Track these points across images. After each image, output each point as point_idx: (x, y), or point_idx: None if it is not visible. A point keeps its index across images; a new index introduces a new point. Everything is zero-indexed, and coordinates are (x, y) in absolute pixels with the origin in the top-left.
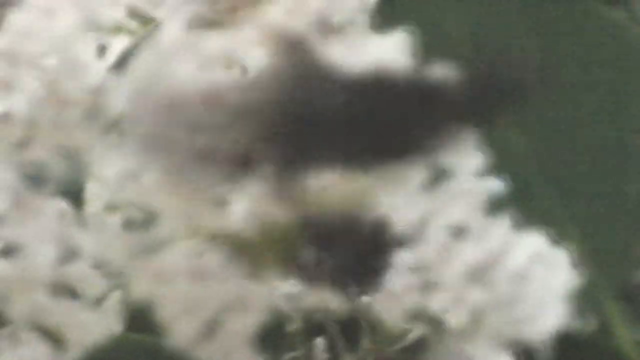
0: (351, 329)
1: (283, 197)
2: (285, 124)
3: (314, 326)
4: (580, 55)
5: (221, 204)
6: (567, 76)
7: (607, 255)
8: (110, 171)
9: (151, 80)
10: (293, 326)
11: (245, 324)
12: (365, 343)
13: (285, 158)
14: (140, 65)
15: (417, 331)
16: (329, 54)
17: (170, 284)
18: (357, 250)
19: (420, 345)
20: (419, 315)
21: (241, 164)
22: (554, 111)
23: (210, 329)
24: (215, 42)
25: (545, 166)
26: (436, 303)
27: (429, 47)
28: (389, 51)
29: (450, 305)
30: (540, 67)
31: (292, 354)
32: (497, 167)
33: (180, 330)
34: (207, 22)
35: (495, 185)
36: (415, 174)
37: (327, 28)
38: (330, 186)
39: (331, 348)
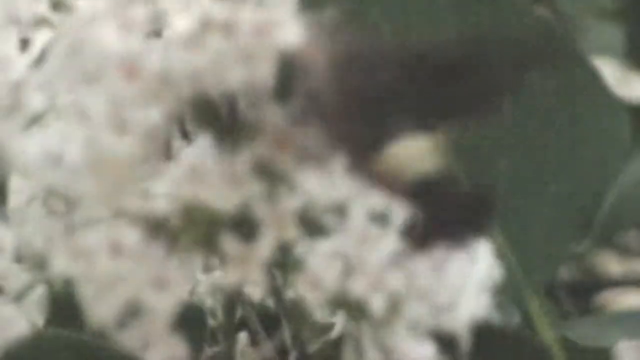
0: (273, 322)
1: (365, 173)
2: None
3: (236, 320)
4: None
5: (142, 185)
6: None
7: (528, 252)
8: (31, 157)
9: (73, 48)
10: (215, 320)
11: (164, 303)
12: (287, 337)
13: (362, 135)
14: (63, 34)
15: (339, 324)
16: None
17: (89, 261)
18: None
19: (341, 338)
20: (341, 301)
21: (163, 140)
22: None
23: (130, 309)
24: (140, 7)
25: (463, 158)
26: (357, 288)
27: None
28: None
29: (370, 290)
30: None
31: (215, 349)
32: None
33: (100, 310)
34: None
35: None
36: (337, 158)
37: None
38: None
39: (254, 342)
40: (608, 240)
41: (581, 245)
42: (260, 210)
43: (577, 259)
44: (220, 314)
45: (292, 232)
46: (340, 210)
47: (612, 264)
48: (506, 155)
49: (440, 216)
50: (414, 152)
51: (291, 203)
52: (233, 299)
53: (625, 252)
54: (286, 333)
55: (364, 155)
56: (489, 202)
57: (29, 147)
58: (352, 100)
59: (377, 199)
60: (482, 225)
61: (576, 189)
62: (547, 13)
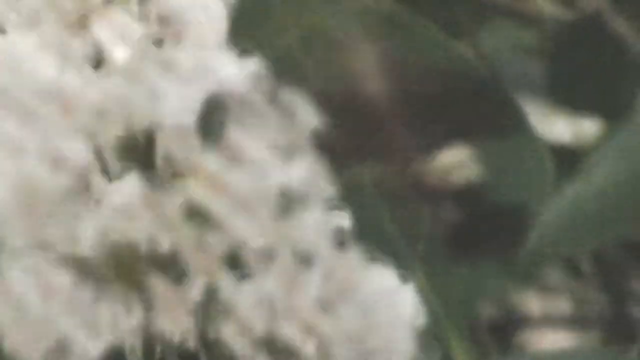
0: None
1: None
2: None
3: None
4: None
5: (71, 222)
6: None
7: (450, 292)
8: None
9: (9, 81)
10: (135, 358)
11: (93, 346)
12: None
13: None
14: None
15: None
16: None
17: (18, 303)
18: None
19: None
20: (269, 345)
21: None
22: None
23: (58, 353)
24: (77, 40)
25: (391, 206)
26: (286, 332)
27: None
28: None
29: (300, 335)
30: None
31: None
32: (345, 203)
33: (27, 351)
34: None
35: (344, 219)
36: (266, 201)
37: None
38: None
39: None
40: (529, 278)
41: (502, 284)
42: (190, 253)
43: (498, 297)
44: (139, 353)
45: (220, 275)
46: (268, 254)
47: (532, 302)
48: (430, 200)
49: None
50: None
51: (220, 247)
52: (153, 338)
53: (545, 289)
54: None
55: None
56: (522, 215)
57: None
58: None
59: (303, 244)
60: (514, 236)
61: (498, 228)
62: (469, 50)
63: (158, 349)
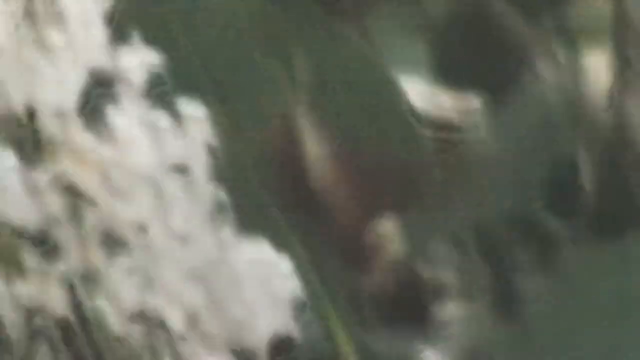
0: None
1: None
2: None
3: (35, 330)
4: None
5: None
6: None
7: (327, 264)
8: None
9: None
10: (14, 330)
11: None
12: (85, 347)
13: None
14: None
15: (137, 336)
16: None
17: None
18: None
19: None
20: (140, 316)
21: None
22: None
23: None
24: None
25: (265, 176)
26: (155, 303)
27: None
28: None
29: (168, 305)
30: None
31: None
32: (223, 175)
33: None
34: None
35: (219, 193)
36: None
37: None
38: None
39: (52, 352)
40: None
41: None
42: (65, 228)
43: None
44: (18, 325)
45: (94, 250)
46: (141, 228)
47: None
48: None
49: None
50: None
51: (94, 221)
52: (32, 310)
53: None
54: (83, 343)
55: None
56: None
57: None
58: None
59: (176, 219)
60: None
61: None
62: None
63: (37, 322)
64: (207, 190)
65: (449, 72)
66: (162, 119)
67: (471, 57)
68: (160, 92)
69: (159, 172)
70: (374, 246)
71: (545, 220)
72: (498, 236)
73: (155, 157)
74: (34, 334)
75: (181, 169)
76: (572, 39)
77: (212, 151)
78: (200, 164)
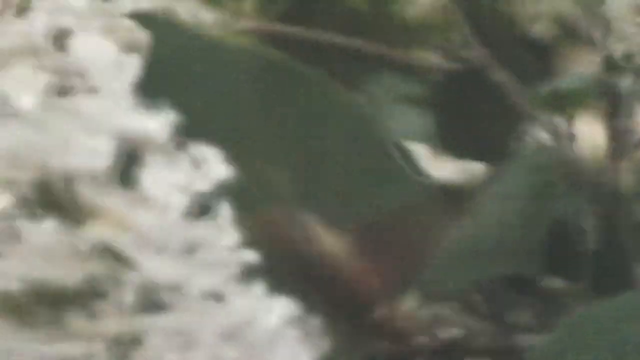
0: None
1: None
2: None
3: None
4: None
5: None
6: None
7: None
8: None
9: None
10: None
11: None
12: None
13: None
14: None
15: None
16: None
17: None
18: None
19: None
20: None
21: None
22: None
23: None
24: None
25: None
26: None
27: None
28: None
29: None
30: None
31: None
32: (251, 242)
33: None
34: None
35: (250, 257)
36: (174, 240)
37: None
38: None
39: None
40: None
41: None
42: (104, 289)
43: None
44: None
45: (134, 313)
46: (177, 289)
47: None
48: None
49: None
50: None
51: (133, 284)
52: None
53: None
54: None
55: None
56: None
57: None
58: None
59: (211, 279)
60: None
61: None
62: (362, 99)
63: None
64: (238, 253)
65: (450, 140)
66: (196, 181)
67: (472, 124)
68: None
69: (192, 232)
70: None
71: (547, 280)
72: (502, 297)
73: (186, 219)
74: None
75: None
76: (567, 107)
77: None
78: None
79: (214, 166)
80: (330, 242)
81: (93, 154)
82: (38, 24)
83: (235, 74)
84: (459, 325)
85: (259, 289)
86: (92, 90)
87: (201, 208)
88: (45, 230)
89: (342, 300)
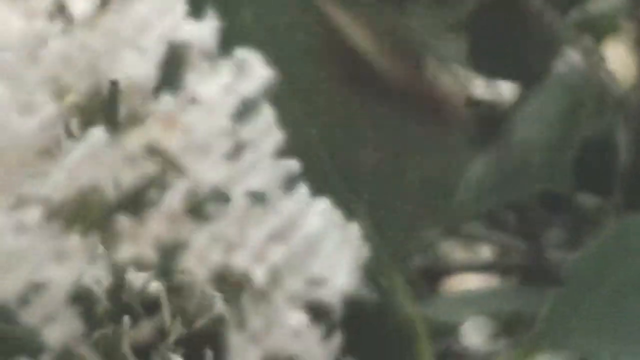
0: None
1: None
2: None
3: (121, 306)
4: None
5: (42, 171)
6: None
7: (391, 235)
8: None
9: None
10: (100, 307)
11: (64, 277)
12: (167, 318)
13: None
14: None
15: (221, 300)
16: None
17: None
18: None
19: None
20: (224, 275)
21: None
22: (341, 107)
23: (31, 286)
24: None
25: (333, 151)
26: (239, 261)
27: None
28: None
29: (252, 263)
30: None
31: (102, 331)
32: (291, 148)
33: (3, 285)
34: None
35: (291, 164)
36: (219, 141)
37: None
38: None
39: (135, 324)
40: (456, 228)
41: (433, 231)
42: (152, 193)
43: (427, 245)
44: (105, 298)
45: (181, 218)
46: (222, 195)
47: (457, 251)
48: (370, 152)
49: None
50: None
51: (179, 185)
52: (118, 283)
53: (468, 240)
54: (166, 314)
55: None
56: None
57: None
58: None
59: (255, 184)
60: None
61: (429, 184)
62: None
63: (123, 291)
64: (280, 159)
65: (485, 62)
66: (240, 85)
67: (504, 46)
68: None
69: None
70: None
71: (579, 197)
72: (533, 214)
73: (234, 122)
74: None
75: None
76: (597, 29)
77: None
78: (273, 136)
79: (257, 70)
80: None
81: (143, 57)
82: None
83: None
84: (492, 243)
85: (302, 192)
86: None
87: (246, 111)
88: (96, 135)
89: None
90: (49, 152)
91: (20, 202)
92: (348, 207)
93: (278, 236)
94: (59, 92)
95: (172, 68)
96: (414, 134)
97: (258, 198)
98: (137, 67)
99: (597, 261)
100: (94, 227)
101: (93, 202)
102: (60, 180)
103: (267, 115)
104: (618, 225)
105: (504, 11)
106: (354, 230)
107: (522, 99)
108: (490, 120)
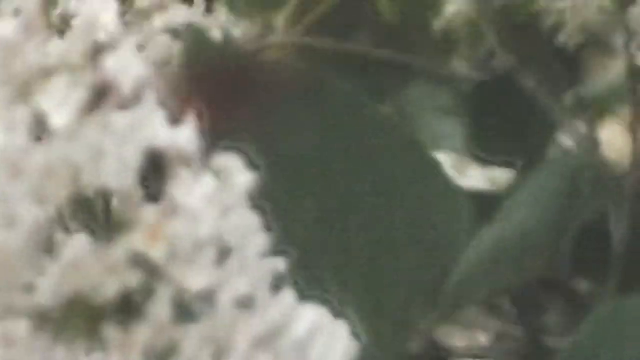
0: None
1: None
2: None
3: None
4: (355, 146)
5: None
6: (343, 164)
7: (381, 327)
8: None
9: None
10: None
11: None
12: None
13: None
14: None
15: None
16: None
17: None
18: None
19: None
20: None
21: (43, 237)
22: (331, 195)
23: None
24: (21, 108)
25: (322, 246)
26: None
27: None
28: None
29: None
30: (320, 157)
31: None
32: (280, 242)
33: None
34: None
35: (279, 263)
36: (205, 250)
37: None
38: None
39: None
40: (452, 314)
41: (428, 319)
42: (137, 299)
43: (423, 332)
44: None
45: (168, 322)
46: (210, 297)
47: (454, 338)
48: (359, 232)
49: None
50: None
51: (165, 292)
52: None
53: (466, 325)
54: None
55: None
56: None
57: None
58: None
59: (242, 285)
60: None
61: (423, 267)
62: (392, 112)
63: None
64: (267, 260)
65: (479, 147)
66: (225, 193)
67: (501, 130)
68: None
69: (223, 242)
70: None
71: (574, 282)
72: (529, 299)
73: (219, 229)
74: None
75: (241, 242)
76: (591, 113)
77: (268, 227)
78: (258, 240)
79: (238, 176)
80: None
81: (124, 167)
82: (75, 42)
83: (268, 86)
84: (488, 329)
85: (288, 295)
86: (124, 106)
87: (229, 217)
88: (80, 244)
89: None
90: (34, 261)
91: (8, 313)
92: (338, 305)
93: (265, 341)
94: (42, 203)
95: (154, 176)
96: (407, 221)
97: (246, 301)
98: (118, 177)
99: (591, 346)
100: (82, 336)
101: (80, 311)
102: (47, 289)
103: (250, 218)
104: (611, 310)
105: (500, 94)
106: (344, 329)
107: (517, 184)
108: (485, 206)
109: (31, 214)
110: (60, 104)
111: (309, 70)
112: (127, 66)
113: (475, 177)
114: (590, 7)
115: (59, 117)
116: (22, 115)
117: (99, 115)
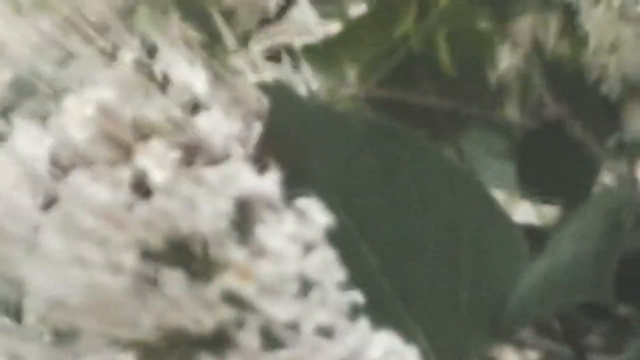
0: None
1: None
2: None
3: None
4: (418, 189)
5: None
6: (410, 203)
7: (444, 347)
8: (39, 296)
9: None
10: None
11: None
12: None
13: None
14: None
15: None
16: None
17: None
18: None
19: None
20: None
21: (146, 279)
22: (400, 235)
23: None
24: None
25: (393, 278)
26: None
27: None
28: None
29: None
30: (386, 198)
31: None
32: (354, 280)
33: None
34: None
35: (354, 295)
36: (289, 284)
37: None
38: None
39: None
40: (509, 336)
41: (488, 342)
42: (231, 331)
43: (482, 353)
44: None
45: (258, 352)
46: (294, 327)
47: (508, 355)
48: (424, 269)
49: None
50: None
51: (255, 324)
52: None
53: (519, 345)
54: None
55: None
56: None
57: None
58: None
59: (323, 315)
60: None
61: (484, 296)
62: (452, 154)
63: None
64: (344, 292)
65: (530, 184)
66: (306, 232)
67: (549, 171)
68: None
69: (305, 277)
70: None
71: (618, 307)
72: (577, 322)
73: (301, 266)
74: None
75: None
76: (630, 155)
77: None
78: (336, 275)
79: (317, 216)
80: None
81: (216, 215)
82: (174, 98)
83: (342, 137)
84: (539, 347)
85: (363, 324)
86: (215, 161)
87: (310, 254)
88: (178, 282)
89: None
90: (138, 300)
91: (115, 346)
92: (408, 331)
93: None
94: (143, 251)
95: (242, 221)
96: (469, 253)
97: (326, 329)
98: (212, 224)
99: None
100: None
101: (179, 343)
102: (149, 324)
103: (328, 254)
104: None
105: (549, 139)
106: (414, 353)
107: (564, 219)
108: (535, 239)
109: (132, 261)
110: (159, 161)
111: (378, 119)
112: (217, 124)
113: (525, 213)
114: (631, 61)
115: (158, 174)
116: (124, 173)
117: (193, 170)
